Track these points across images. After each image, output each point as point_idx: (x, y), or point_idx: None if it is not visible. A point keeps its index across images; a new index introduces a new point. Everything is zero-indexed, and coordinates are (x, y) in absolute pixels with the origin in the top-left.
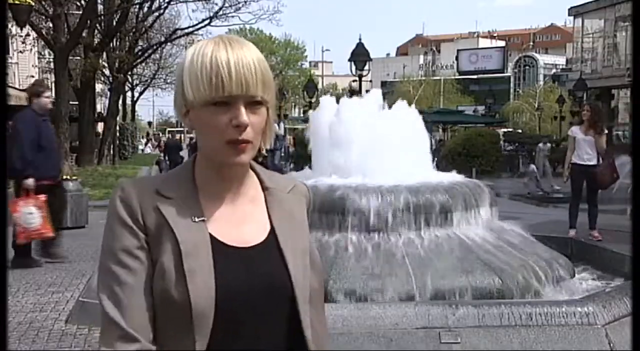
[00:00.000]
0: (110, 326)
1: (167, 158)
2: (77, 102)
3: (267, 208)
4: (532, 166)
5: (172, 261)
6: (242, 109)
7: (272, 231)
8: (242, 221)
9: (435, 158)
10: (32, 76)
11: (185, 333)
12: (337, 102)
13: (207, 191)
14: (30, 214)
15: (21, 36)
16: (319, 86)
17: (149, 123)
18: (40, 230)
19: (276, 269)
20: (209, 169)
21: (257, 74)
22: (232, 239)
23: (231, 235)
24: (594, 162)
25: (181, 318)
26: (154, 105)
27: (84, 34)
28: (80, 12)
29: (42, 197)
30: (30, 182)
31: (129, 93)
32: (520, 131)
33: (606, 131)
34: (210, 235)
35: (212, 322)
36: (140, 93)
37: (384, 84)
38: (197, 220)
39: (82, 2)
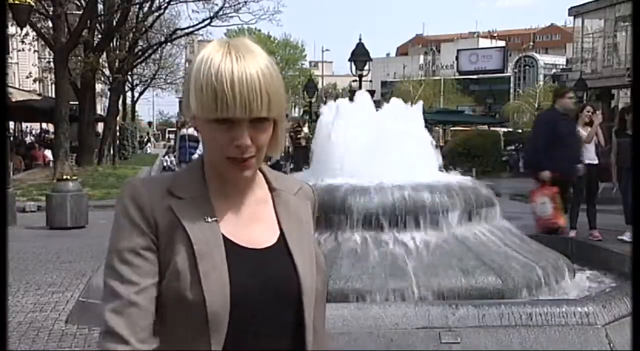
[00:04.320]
0: (106, 329)
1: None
2: (77, 102)
3: (274, 209)
4: None
5: (186, 261)
6: (245, 131)
7: (282, 234)
8: (251, 221)
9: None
10: (31, 75)
11: (199, 334)
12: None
13: (217, 191)
14: (543, 204)
15: (20, 36)
16: (319, 86)
17: (149, 123)
18: (552, 219)
19: (286, 273)
20: (217, 171)
21: (262, 92)
22: (243, 239)
23: (242, 235)
24: (596, 162)
25: (195, 319)
26: (154, 105)
27: (84, 34)
28: (80, 12)
29: (555, 189)
30: (545, 174)
31: (129, 93)
32: (520, 131)
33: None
34: (223, 235)
35: (227, 323)
36: (140, 94)
37: (384, 84)
38: (209, 220)
39: (82, 2)
